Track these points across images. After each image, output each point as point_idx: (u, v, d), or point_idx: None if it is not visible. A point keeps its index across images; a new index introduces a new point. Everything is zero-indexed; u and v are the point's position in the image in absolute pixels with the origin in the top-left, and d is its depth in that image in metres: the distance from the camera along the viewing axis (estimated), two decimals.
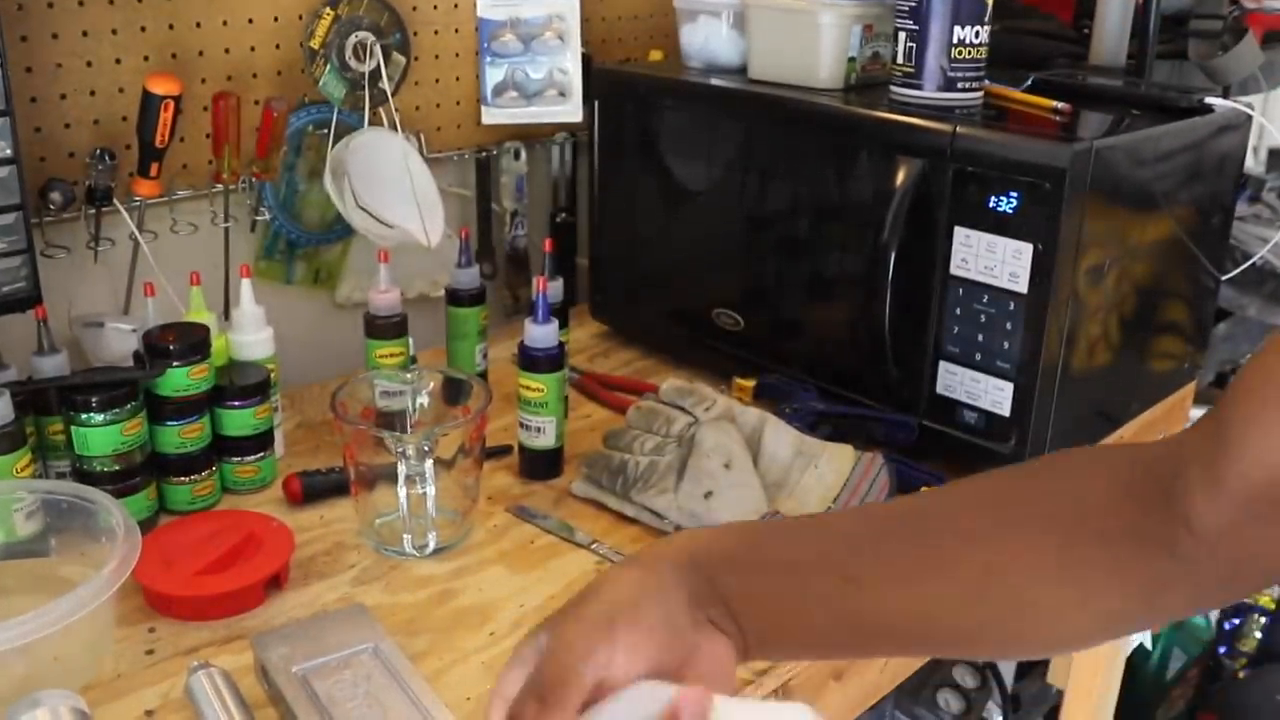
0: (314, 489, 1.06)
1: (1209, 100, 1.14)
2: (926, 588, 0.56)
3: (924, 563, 0.57)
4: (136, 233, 1.14)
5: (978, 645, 0.64)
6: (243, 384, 1.06)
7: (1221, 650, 2.23)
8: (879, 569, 0.57)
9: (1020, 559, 0.56)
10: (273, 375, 1.10)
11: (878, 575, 0.57)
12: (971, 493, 0.60)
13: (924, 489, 0.60)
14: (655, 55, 1.45)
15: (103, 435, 0.96)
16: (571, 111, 1.42)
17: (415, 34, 1.34)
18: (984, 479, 0.60)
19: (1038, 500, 0.58)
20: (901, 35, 1.12)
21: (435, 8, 1.36)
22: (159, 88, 1.09)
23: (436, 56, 1.38)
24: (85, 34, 1.10)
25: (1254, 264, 1.30)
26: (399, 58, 1.32)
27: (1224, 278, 1.29)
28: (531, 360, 1.09)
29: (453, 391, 1.05)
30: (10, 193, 0.98)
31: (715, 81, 1.28)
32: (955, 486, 0.61)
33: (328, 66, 1.25)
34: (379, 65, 1.28)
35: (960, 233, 1.04)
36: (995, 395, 1.06)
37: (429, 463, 0.95)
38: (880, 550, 0.58)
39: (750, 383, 1.25)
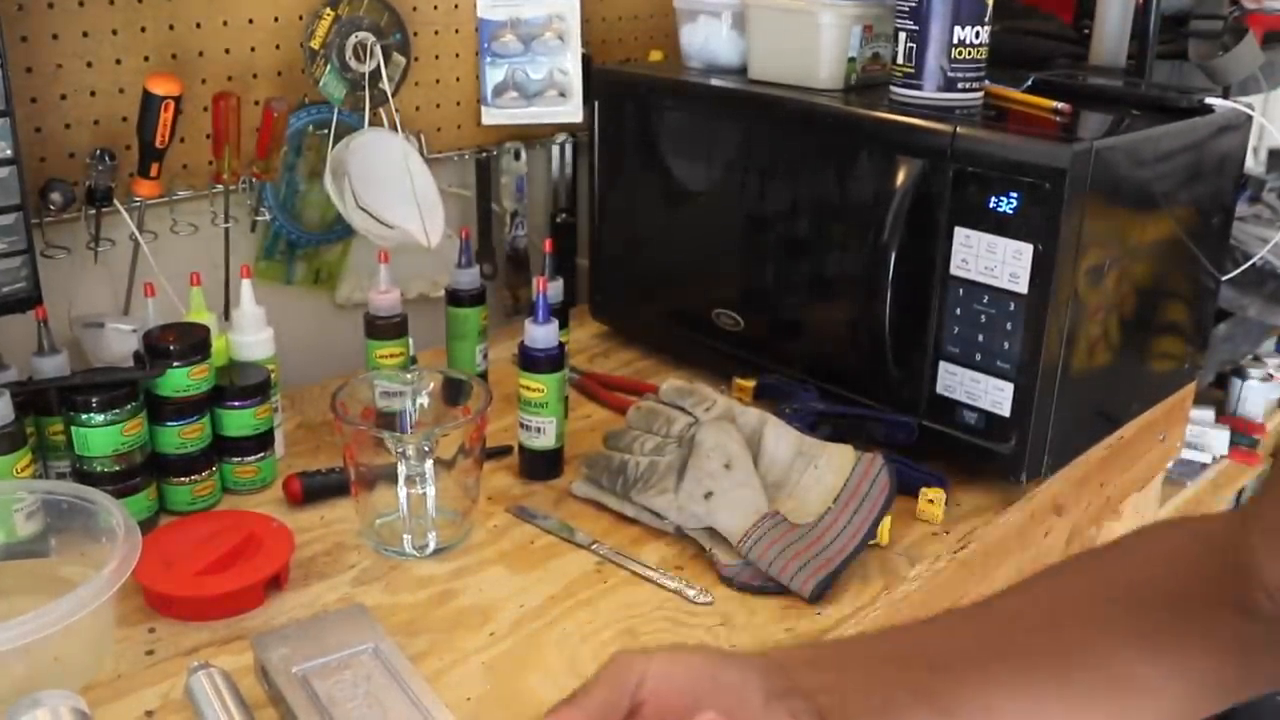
0: (314, 489, 1.06)
1: (1209, 101, 1.14)
2: (1033, 693, 0.55)
3: (1024, 664, 0.56)
4: (137, 233, 1.14)
5: None
6: (243, 384, 1.06)
7: None
8: (965, 658, 0.56)
9: (1111, 640, 0.56)
10: (273, 375, 1.10)
11: (966, 663, 0.56)
12: (1051, 584, 0.60)
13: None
14: (655, 56, 1.45)
15: (103, 435, 0.96)
16: (571, 112, 1.42)
17: (415, 34, 1.34)
18: (1058, 568, 0.61)
19: (1118, 583, 0.59)
20: (901, 35, 1.12)
21: (435, 8, 1.36)
22: (159, 88, 1.09)
23: (437, 57, 1.38)
24: (85, 34, 1.10)
25: (1254, 264, 1.30)
26: (399, 58, 1.32)
27: (1224, 278, 1.29)
28: (532, 360, 1.09)
29: (453, 392, 1.06)
30: (10, 193, 0.98)
31: (715, 82, 1.28)
32: (1034, 579, 0.61)
33: (328, 67, 1.25)
34: (379, 66, 1.28)
35: (960, 233, 1.04)
36: (995, 396, 1.06)
37: (429, 463, 0.95)
38: (966, 640, 0.57)
39: (750, 383, 1.25)
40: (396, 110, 1.31)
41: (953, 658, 0.56)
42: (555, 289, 1.16)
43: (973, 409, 1.08)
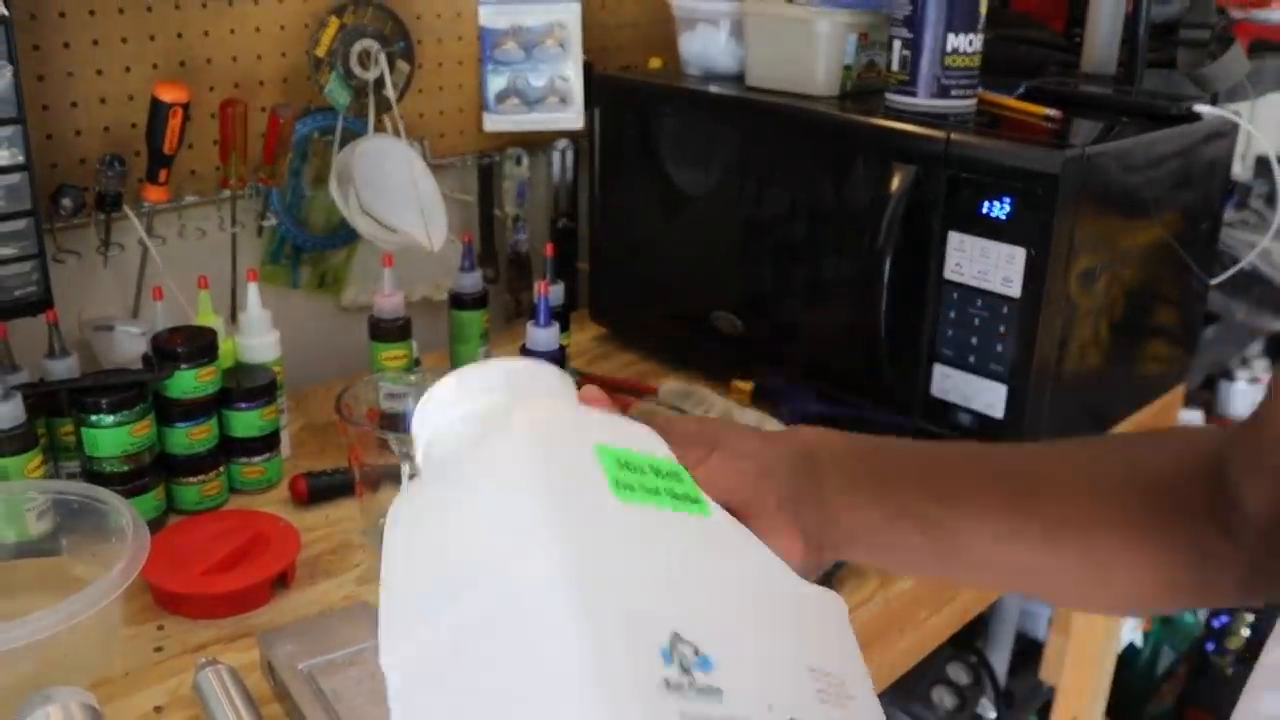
0: (320, 489, 1.07)
1: (1197, 108, 1.15)
2: (1016, 525, 0.58)
3: (1018, 501, 0.59)
4: (145, 238, 1.15)
5: (1052, 590, 0.66)
6: (250, 386, 1.07)
7: (1209, 648, 2.25)
8: (975, 499, 0.58)
9: (1102, 519, 0.58)
10: (279, 377, 1.11)
11: (973, 505, 0.58)
12: (1067, 451, 0.63)
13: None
14: (655, 63, 1.46)
15: (112, 436, 0.97)
16: (572, 118, 1.43)
17: (419, 42, 1.35)
18: (1079, 443, 0.64)
19: (1122, 469, 0.61)
20: (896, 43, 1.13)
21: (439, 16, 1.37)
22: (168, 95, 1.10)
23: (440, 64, 1.39)
24: (96, 43, 1.11)
25: (1242, 269, 1.31)
26: (403, 65, 1.33)
27: (1212, 282, 1.30)
28: None
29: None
30: (22, 199, 0.99)
31: (713, 89, 1.29)
32: (1053, 444, 0.65)
33: (333, 74, 1.26)
34: (383, 73, 1.29)
35: (954, 238, 1.06)
36: (989, 397, 1.07)
37: None
38: (980, 482, 0.60)
39: (749, 385, 1.26)
40: (400, 117, 1.32)
41: (961, 495, 0.58)
42: (556, 292, 1.17)
43: (967, 411, 1.09)
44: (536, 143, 1.50)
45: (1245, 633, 2.22)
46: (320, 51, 1.25)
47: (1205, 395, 2.00)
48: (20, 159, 0.98)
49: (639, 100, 1.34)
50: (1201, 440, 0.61)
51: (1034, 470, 0.61)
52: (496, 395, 0.48)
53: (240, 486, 1.09)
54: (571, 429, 0.46)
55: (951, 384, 1.09)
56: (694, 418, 0.55)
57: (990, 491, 0.59)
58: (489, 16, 1.38)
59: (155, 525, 1.00)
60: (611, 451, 0.44)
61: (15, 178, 0.98)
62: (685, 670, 0.36)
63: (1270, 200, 1.86)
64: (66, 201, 1.10)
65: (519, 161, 1.49)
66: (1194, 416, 1.90)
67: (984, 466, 0.61)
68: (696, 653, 0.37)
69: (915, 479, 0.59)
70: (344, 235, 1.36)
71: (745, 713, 0.37)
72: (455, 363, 1.27)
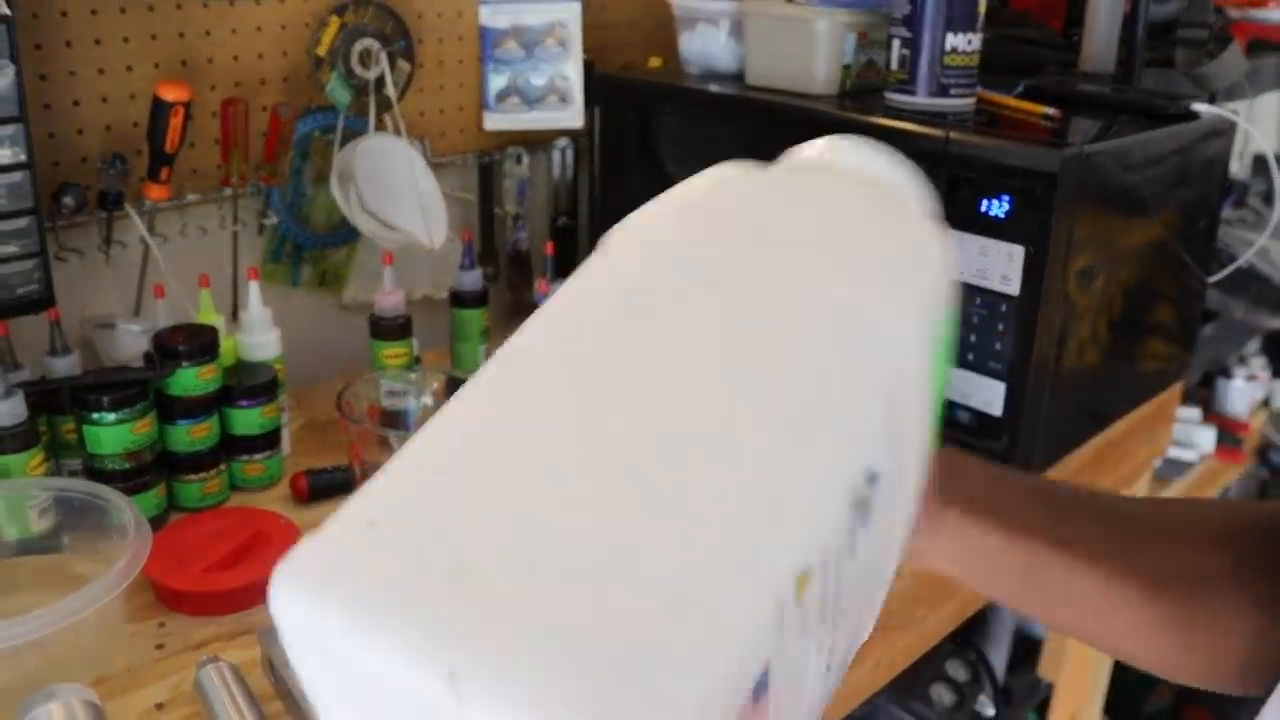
0: (321, 487, 1.08)
1: (1195, 107, 1.15)
2: (1121, 568, 0.56)
3: (1128, 546, 0.57)
4: (147, 236, 1.15)
5: (1144, 648, 0.61)
6: (251, 384, 1.07)
7: None
8: (1084, 535, 0.57)
9: (1210, 572, 0.56)
10: (280, 375, 1.11)
11: (1082, 544, 0.56)
12: (1164, 501, 0.62)
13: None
14: (655, 62, 1.46)
15: (114, 434, 0.98)
16: (573, 117, 1.43)
17: (420, 41, 1.35)
18: (1176, 503, 0.63)
19: (1221, 519, 0.59)
20: (895, 42, 1.14)
21: (439, 15, 1.37)
22: (169, 94, 1.10)
23: (440, 63, 1.39)
24: (98, 42, 1.11)
25: (1239, 267, 1.32)
26: (404, 64, 1.33)
27: (1210, 280, 1.31)
28: None
29: (456, 391, 1.07)
30: (24, 197, 0.99)
31: (713, 88, 1.30)
32: (1158, 502, 0.63)
33: (334, 73, 1.27)
34: (384, 72, 1.29)
35: (953, 236, 1.06)
36: (988, 395, 1.07)
37: None
38: (1090, 519, 0.58)
39: None
40: (401, 116, 1.32)
41: (1069, 527, 0.57)
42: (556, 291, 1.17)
43: (965, 408, 1.09)
44: (537, 141, 1.51)
45: None
46: (321, 51, 1.26)
47: (1203, 393, 2.00)
48: (22, 157, 0.98)
49: (639, 99, 1.34)
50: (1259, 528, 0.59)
51: (1140, 515, 0.60)
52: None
53: (241, 484, 1.09)
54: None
55: (950, 381, 1.09)
56: None
57: (1097, 533, 0.57)
58: (489, 16, 1.38)
59: (156, 523, 1.00)
60: None
61: (17, 176, 0.98)
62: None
63: (1268, 198, 1.87)
64: (68, 200, 1.10)
65: (519, 160, 1.49)
66: (1192, 414, 1.91)
67: (1091, 505, 0.60)
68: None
69: (1034, 508, 0.57)
70: (345, 234, 1.36)
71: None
72: (456, 360, 1.28)
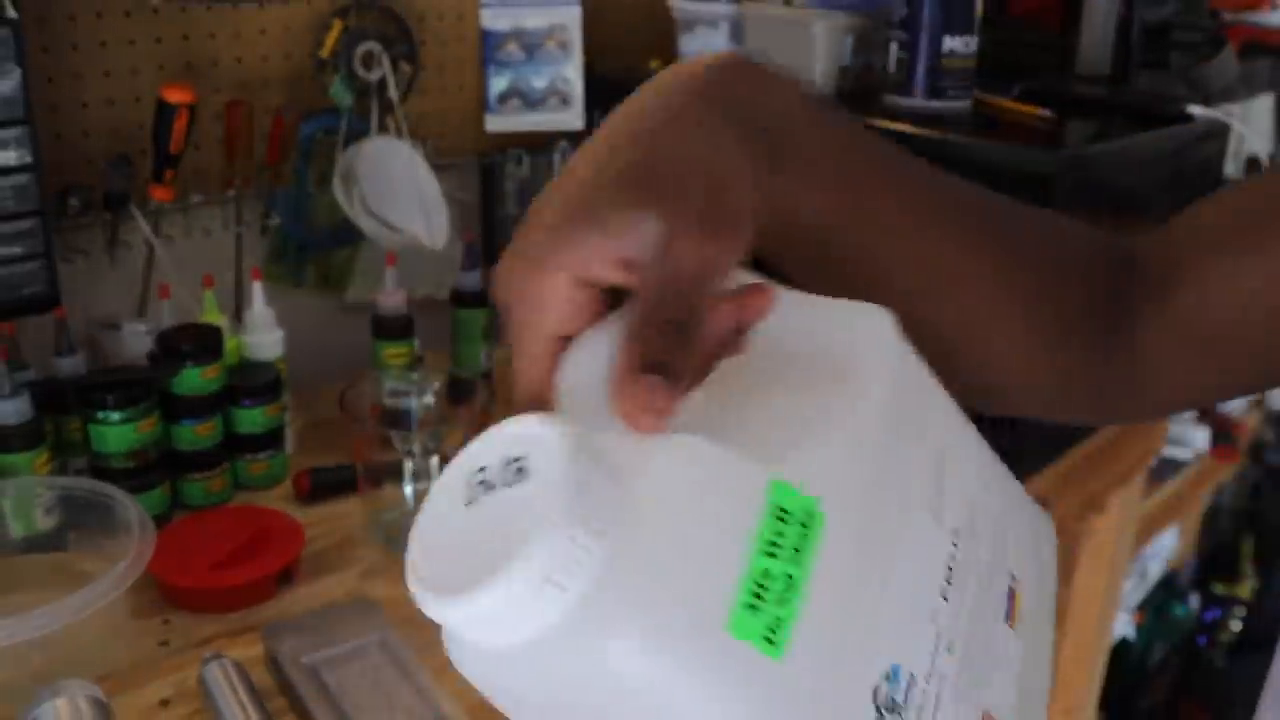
0: (323, 485, 1.08)
1: (1190, 109, 1.16)
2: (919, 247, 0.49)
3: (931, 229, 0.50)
4: (152, 237, 1.16)
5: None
6: (254, 383, 1.08)
7: (1201, 641, 2.26)
8: (897, 205, 0.49)
9: (998, 280, 0.51)
10: (283, 375, 1.12)
11: (892, 209, 0.49)
12: (1000, 208, 0.53)
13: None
14: (655, 64, 1.47)
15: (119, 433, 0.99)
16: (573, 119, 1.44)
17: (422, 44, 1.36)
18: (1010, 206, 0.54)
19: (1038, 241, 0.53)
20: (893, 45, 1.15)
21: (441, 18, 1.38)
22: (174, 96, 1.10)
23: (442, 66, 1.40)
24: (103, 44, 1.12)
25: None
26: (406, 67, 1.34)
27: None
28: None
29: (457, 390, 1.08)
30: (30, 198, 1.00)
31: None
32: (994, 197, 0.53)
33: (337, 75, 1.27)
34: (386, 74, 1.30)
35: None
36: None
37: (434, 460, 0.97)
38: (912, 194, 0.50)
39: None
40: (403, 117, 1.33)
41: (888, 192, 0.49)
42: None
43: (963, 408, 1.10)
44: (538, 143, 1.51)
45: (1236, 626, 2.23)
46: (324, 53, 1.26)
47: None
48: (29, 159, 0.99)
49: None
50: (1103, 247, 0.54)
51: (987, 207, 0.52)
52: None
53: (245, 483, 1.10)
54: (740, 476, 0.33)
55: None
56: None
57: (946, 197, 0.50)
58: (490, 18, 1.39)
59: (161, 521, 1.01)
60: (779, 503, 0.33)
61: (24, 177, 0.99)
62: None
63: None
64: (74, 201, 1.11)
65: (520, 162, 1.50)
66: (1186, 414, 1.91)
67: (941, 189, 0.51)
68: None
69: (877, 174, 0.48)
70: (347, 234, 1.37)
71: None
72: (457, 360, 1.28)
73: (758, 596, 0.31)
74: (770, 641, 0.31)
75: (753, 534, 0.32)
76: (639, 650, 0.30)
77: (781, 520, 0.32)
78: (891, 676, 0.34)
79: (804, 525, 0.33)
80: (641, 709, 0.31)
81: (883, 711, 0.34)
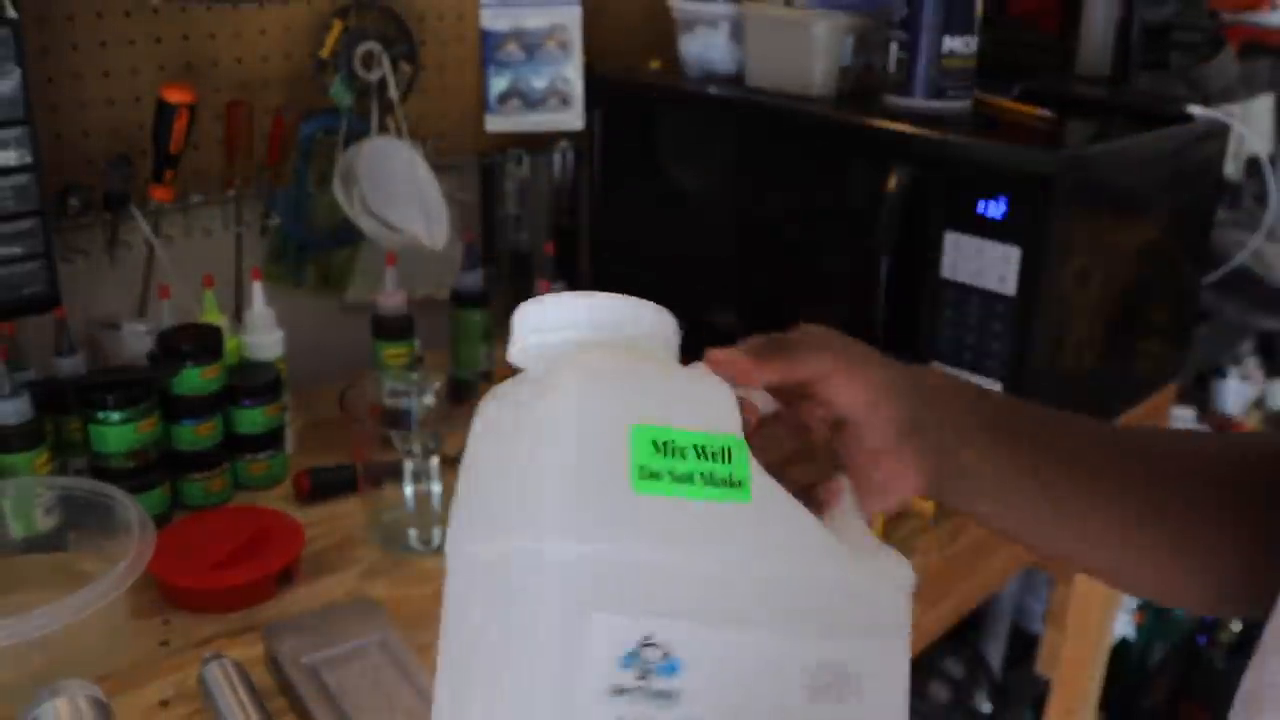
0: (323, 485, 1.08)
1: (1190, 109, 1.16)
2: (1145, 509, 0.56)
3: (1151, 484, 0.56)
4: (152, 237, 1.16)
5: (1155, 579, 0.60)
6: (254, 384, 1.08)
7: (1201, 641, 2.26)
8: (1105, 473, 0.56)
9: (1198, 517, 0.56)
10: (283, 375, 1.12)
11: (1102, 480, 0.56)
12: (1182, 436, 0.62)
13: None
14: (655, 64, 1.47)
15: (119, 433, 0.99)
16: (573, 119, 1.44)
17: (422, 44, 1.36)
18: (1186, 437, 0.63)
19: (1235, 457, 0.59)
20: (893, 45, 1.15)
21: (441, 19, 1.38)
22: (174, 97, 1.10)
23: (442, 66, 1.40)
24: (103, 45, 1.12)
25: (1233, 268, 1.33)
26: (406, 67, 1.34)
27: (1205, 281, 1.31)
28: None
29: (458, 391, 1.08)
30: (30, 198, 1.00)
31: (713, 90, 1.30)
32: (1164, 434, 0.63)
33: (337, 75, 1.27)
34: (386, 74, 1.30)
35: (951, 237, 1.07)
36: None
37: (434, 460, 0.97)
38: (1106, 458, 0.57)
39: None
40: (403, 117, 1.33)
41: (1076, 462, 0.56)
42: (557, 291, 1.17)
43: None
44: (538, 143, 1.51)
45: (1236, 626, 2.23)
46: (324, 53, 1.26)
47: (1198, 393, 2.01)
48: (29, 159, 0.99)
49: (639, 101, 1.35)
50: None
51: (1161, 452, 0.58)
52: (572, 332, 0.49)
53: (245, 483, 1.10)
54: (617, 398, 0.45)
55: None
56: (821, 328, 0.54)
57: (1118, 469, 0.56)
58: (490, 19, 1.39)
59: (161, 521, 1.01)
60: (649, 431, 0.44)
61: (24, 178, 0.99)
62: (643, 675, 0.40)
63: (1261, 200, 1.87)
64: (74, 201, 1.11)
65: (520, 162, 1.50)
66: (1186, 414, 1.92)
67: (1110, 444, 0.58)
68: (665, 656, 0.41)
69: (1043, 441, 0.56)
70: (347, 234, 1.37)
71: (700, 714, 0.41)
72: (457, 360, 1.29)
73: None
74: None
75: None
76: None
77: None
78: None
79: None
80: None
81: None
